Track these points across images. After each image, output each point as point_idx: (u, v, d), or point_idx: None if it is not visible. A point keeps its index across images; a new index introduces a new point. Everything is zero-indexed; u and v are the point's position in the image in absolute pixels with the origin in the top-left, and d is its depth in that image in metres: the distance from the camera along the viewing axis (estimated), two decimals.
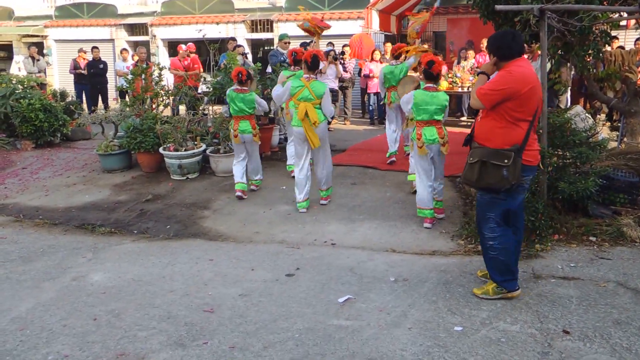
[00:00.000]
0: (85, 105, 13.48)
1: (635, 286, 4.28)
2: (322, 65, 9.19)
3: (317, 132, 6.30)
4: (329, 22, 16.20)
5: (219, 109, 9.24)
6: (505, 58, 4.01)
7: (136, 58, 12.49)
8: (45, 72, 15.21)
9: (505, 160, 3.85)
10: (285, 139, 9.93)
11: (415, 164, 5.99)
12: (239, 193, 7.00)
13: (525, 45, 7.87)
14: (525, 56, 10.13)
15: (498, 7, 5.09)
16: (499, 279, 4.12)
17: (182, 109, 11.04)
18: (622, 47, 9.52)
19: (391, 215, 6.26)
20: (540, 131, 5.29)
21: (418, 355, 3.39)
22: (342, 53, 12.60)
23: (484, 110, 4.06)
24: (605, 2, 6.07)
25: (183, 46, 12.42)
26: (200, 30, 12.45)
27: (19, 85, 10.86)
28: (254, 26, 17.98)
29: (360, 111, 14.37)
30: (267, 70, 10.65)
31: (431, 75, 5.82)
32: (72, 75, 14.42)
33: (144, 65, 9.75)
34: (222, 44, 11.42)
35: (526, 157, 3.93)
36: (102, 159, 8.61)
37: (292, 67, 7.78)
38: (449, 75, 12.15)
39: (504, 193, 3.95)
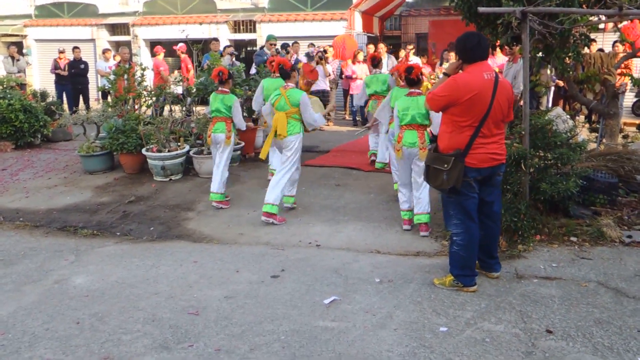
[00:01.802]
0: (66, 106, 13.33)
1: (615, 286, 4.35)
2: (321, 71, 9.27)
3: (281, 143, 6.18)
4: (311, 23, 16.35)
5: (202, 109, 9.21)
6: (468, 60, 4.14)
7: (118, 58, 12.38)
8: (25, 72, 15.00)
9: (445, 165, 4.13)
10: None
11: (396, 167, 6.03)
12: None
13: (506, 47, 8.00)
14: (506, 58, 10.23)
15: (481, 9, 5.14)
16: (456, 272, 4.33)
17: (166, 109, 10.98)
18: (601, 50, 9.68)
19: (375, 217, 6.29)
20: (523, 132, 5.36)
21: (404, 356, 3.41)
22: (325, 52, 12.57)
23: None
24: (584, 6, 6.17)
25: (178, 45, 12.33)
26: (184, 30, 12.41)
27: None
28: (236, 27, 17.95)
29: (343, 112, 14.40)
30: (250, 72, 10.64)
31: (412, 81, 5.81)
32: (53, 75, 14.26)
33: (127, 66, 9.67)
34: (205, 45, 11.37)
35: (470, 160, 4.11)
36: (84, 160, 8.52)
37: (272, 73, 7.80)
38: (432, 77, 12.23)
39: (454, 194, 4.19)
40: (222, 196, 6.81)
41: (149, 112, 9.50)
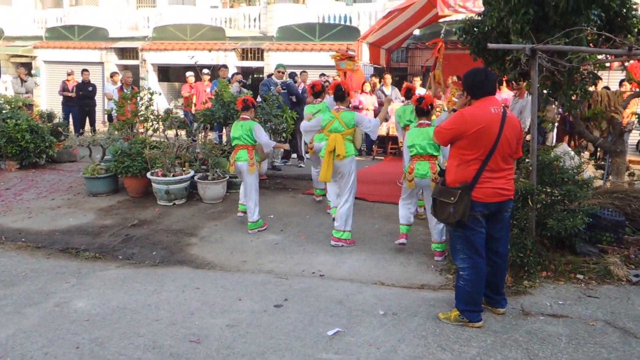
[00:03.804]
0: (72, 127, 13.41)
1: (623, 326, 4.29)
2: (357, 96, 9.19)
3: (339, 165, 6.25)
4: (319, 53, 16.53)
5: (209, 135, 9.24)
6: (476, 96, 4.16)
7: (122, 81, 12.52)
8: (32, 93, 15.13)
9: (452, 198, 4.11)
10: (274, 167, 9.99)
11: (403, 190, 6.08)
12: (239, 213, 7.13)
13: (513, 82, 8.04)
14: (512, 93, 10.29)
15: (490, 45, 5.19)
16: (462, 307, 4.27)
17: (170, 133, 11.02)
18: (607, 88, 9.73)
19: (379, 248, 6.24)
20: (530, 168, 5.35)
21: None
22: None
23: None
24: (591, 44, 6.22)
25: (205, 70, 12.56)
26: (193, 56, 12.54)
27: (7, 105, 10.77)
28: (244, 54, 18.14)
29: None
30: (257, 99, 10.70)
31: (422, 111, 5.88)
32: (61, 97, 14.38)
33: (130, 89, 9.74)
34: (213, 71, 11.49)
35: (476, 194, 4.10)
36: (88, 182, 8.52)
37: (314, 99, 7.94)
38: (437, 110, 12.29)
39: (461, 228, 4.17)
40: (260, 222, 6.89)
41: (157, 135, 9.53)
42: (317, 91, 7.92)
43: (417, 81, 13.11)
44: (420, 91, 12.16)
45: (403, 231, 6.07)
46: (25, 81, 14.57)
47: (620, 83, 10.61)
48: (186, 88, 13.16)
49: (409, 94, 8.30)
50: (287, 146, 8.79)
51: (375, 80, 13.44)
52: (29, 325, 4.25)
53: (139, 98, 9.25)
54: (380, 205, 7.95)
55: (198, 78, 12.45)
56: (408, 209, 6.08)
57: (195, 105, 10.37)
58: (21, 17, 22.81)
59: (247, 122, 6.72)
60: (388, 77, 13.11)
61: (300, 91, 10.59)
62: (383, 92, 12.68)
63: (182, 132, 9.74)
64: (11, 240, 6.53)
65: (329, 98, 7.49)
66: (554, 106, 8.24)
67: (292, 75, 11.46)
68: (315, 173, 7.99)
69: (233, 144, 6.87)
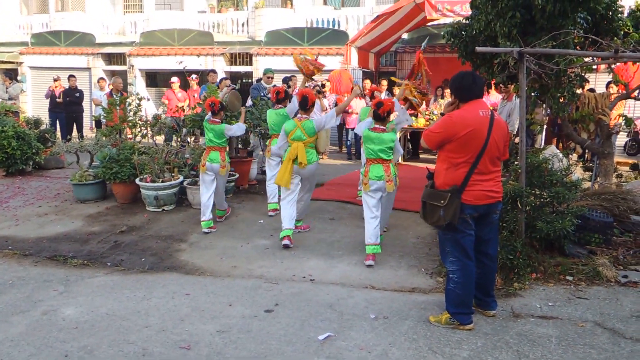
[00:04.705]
0: (59, 134, 13.30)
1: (612, 326, 4.31)
2: (317, 105, 9.16)
3: (303, 173, 6.43)
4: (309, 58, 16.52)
5: (200, 139, 9.20)
6: (463, 99, 4.18)
7: (111, 87, 12.43)
8: (18, 99, 14.98)
9: (442, 201, 4.11)
10: (263, 172, 9.92)
11: (363, 200, 6.07)
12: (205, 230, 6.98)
13: (501, 85, 8.09)
14: (500, 96, 10.34)
15: (478, 48, 5.20)
16: (452, 310, 4.28)
17: (159, 139, 10.97)
18: (592, 90, 9.82)
19: None
20: (519, 170, 5.38)
21: None
22: (323, 86, 12.66)
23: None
24: (578, 47, 6.28)
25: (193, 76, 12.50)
26: (181, 62, 12.50)
27: None
28: (233, 59, 18.10)
29: (338, 146, 14.44)
30: (246, 104, 10.68)
31: (379, 116, 5.92)
32: (47, 103, 14.24)
33: (119, 95, 9.68)
34: (202, 76, 11.46)
35: (465, 197, 4.11)
36: (76, 189, 8.44)
37: (275, 104, 7.78)
38: (426, 113, 12.34)
39: (451, 230, 4.18)
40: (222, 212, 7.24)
41: (145, 141, 9.48)
42: (281, 98, 7.73)
43: (384, 85, 13.00)
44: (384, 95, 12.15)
45: (368, 252, 5.89)
46: (8, 87, 14.43)
47: (607, 85, 10.72)
48: (170, 94, 12.91)
49: (373, 95, 8.34)
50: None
51: (367, 84, 13.39)
52: (16, 334, 4.20)
53: (127, 104, 9.21)
54: None
55: (186, 83, 12.40)
56: (374, 225, 5.91)
57: (184, 110, 10.33)
58: (6, 23, 22.63)
59: (218, 126, 7.03)
60: (384, 83, 13.11)
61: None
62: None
63: (159, 138, 9.70)
64: None
65: (290, 105, 7.47)
66: (542, 108, 8.30)
67: (286, 80, 11.41)
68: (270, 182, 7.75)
69: (206, 144, 7.16)
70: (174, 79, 12.68)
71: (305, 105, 6.47)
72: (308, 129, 6.37)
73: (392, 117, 6.21)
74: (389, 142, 5.86)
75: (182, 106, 10.38)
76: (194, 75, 12.53)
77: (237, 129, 7.23)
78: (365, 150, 6.01)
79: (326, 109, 12.25)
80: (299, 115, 6.53)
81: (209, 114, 7.10)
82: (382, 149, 5.84)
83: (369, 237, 5.86)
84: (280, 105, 7.72)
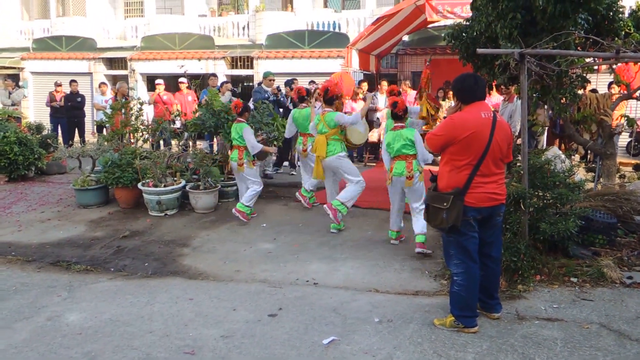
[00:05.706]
0: (61, 139, 13.30)
1: (618, 328, 4.29)
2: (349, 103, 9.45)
3: (325, 164, 6.97)
4: (308, 60, 16.54)
5: (200, 144, 9.20)
6: (465, 101, 4.17)
7: (114, 92, 12.38)
8: (20, 105, 14.98)
9: (445, 204, 4.11)
10: (265, 176, 9.93)
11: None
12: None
13: (502, 86, 8.07)
14: (501, 98, 10.32)
15: (479, 50, 5.20)
16: (457, 313, 4.26)
17: (162, 143, 10.97)
18: (594, 91, 9.80)
19: (373, 255, 6.22)
20: (521, 172, 5.36)
21: None
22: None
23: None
24: (579, 48, 6.27)
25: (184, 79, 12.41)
26: (182, 66, 12.46)
27: None
28: (234, 62, 18.11)
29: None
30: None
31: (396, 115, 6.25)
32: (49, 108, 14.24)
33: (123, 100, 9.68)
34: (203, 80, 11.45)
35: (469, 199, 4.11)
36: (78, 194, 8.45)
37: (299, 103, 8.23)
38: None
39: (454, 233, 4.17)
40: (247, 209, 7.50)
41: (146, 146, 9.47)
42: (303, 96, 8.27)
43: (407, 85, 13.12)
44: (413, 94, 12.17)
45: (391, 236, 6.55)
46: (11, 93, 14.44)
47: (609, 86, 10.69)
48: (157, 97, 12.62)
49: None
50: (273, 149, 8.67)
51: (364, 86, 13.37)
52: (20, 340, 4.20)
53: (130, 108, 9.20)
54: (373, 212, 7.93)
55: (188, 87, 12.36)
56: (396, 215, 6.49)
57: (185, 115, 10.29)
58: (8, 29, 22.67)
59: (239, 124, 7.53)
60: (384, 84, 13.10)
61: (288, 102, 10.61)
62: (377, 98, 12.66)
63: (173, 142, 9.69)
64: (1, 254, 6.44)
65: (319, 105, 7.58)
66: (544, 110, 8.28)
67: (290, 83, 11.36)
68: (306, 177, 8.21)
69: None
70: (159, 81, 12.56)
71: (328, 98, 6.93)
72: (329, 121, 6.81)
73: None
74: (409, 136, 6.10)
75: (175, 110, 10.31)
76: (181, 79, 12.37)
77: (253, 143, 7.47)
78: (389, 151, 6.24)
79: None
80: (322, 109, 6.95)
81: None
82: (404, 144, 6.09)
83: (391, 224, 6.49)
84: (304, 105, 8.12)
